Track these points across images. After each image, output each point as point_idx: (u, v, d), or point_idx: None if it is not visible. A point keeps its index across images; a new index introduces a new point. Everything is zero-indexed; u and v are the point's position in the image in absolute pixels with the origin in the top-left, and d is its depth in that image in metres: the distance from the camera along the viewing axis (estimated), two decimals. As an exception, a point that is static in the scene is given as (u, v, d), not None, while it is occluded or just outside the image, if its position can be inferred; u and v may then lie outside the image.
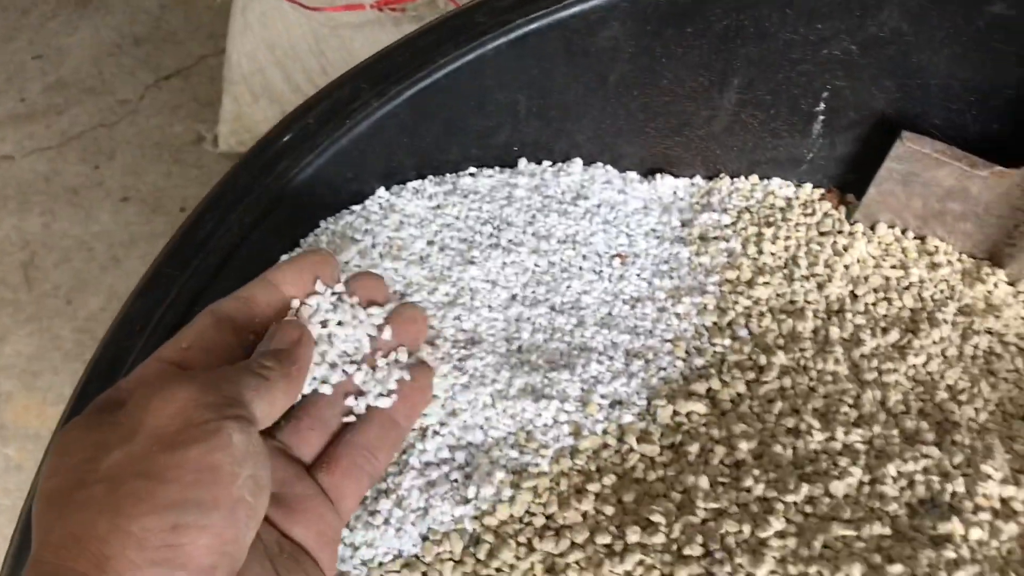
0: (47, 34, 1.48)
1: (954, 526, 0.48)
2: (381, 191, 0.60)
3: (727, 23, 0.60)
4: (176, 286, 0.53)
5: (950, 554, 0.47)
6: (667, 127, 0.68)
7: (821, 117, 0.67)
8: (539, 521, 0.49)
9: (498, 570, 0.48)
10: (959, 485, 0.51)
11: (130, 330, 0.51)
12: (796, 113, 0.67)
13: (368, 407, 0.47)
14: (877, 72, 0.63)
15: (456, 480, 0.51)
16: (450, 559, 0.49)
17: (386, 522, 0.48)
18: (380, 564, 0.48)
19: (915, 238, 0.70)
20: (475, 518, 0.50)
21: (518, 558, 0.48)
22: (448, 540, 0.49)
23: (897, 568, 0.46)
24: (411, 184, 0.61)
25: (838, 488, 0.50)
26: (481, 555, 0.49)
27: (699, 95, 0.65)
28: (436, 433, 0.51)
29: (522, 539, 0.49)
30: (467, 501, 0.49)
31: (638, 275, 0.63)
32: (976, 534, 0.48)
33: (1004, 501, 0.52)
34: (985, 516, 0.50)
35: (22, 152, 1.37)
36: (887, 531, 0.49)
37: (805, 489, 0.50)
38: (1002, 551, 0.49)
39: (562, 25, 0.57)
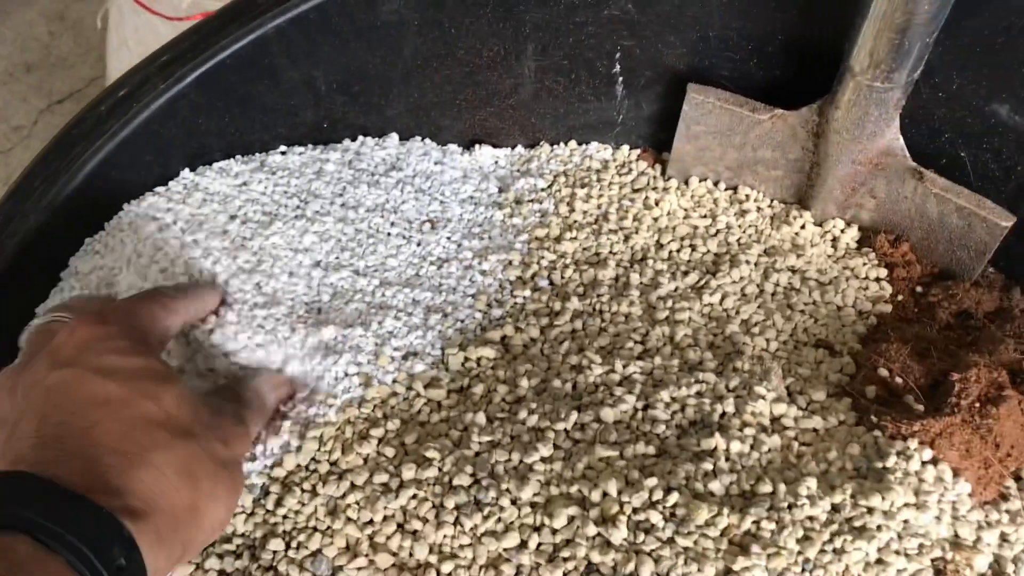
0: (-61, 67, 1.49)
1: (716, 441, 0.51)
2: (185, 172, 0.63)
3: (506, -10, 0.63)
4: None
5: (707, 466, 0.50)
6: (476, 98, 0.70)
7: (620, 78, 0.70)
8: (323, 467, 0.52)
9: (284, 517, 0.50)
10: (729, 406, 0.54)
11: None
12: (595, 76, 0.70)
13: None
14: (659, 29, 0.66)
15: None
16: (241, 512, 0.51)
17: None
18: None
19: (727, 189, 0.73)
20: (263, 472, 0.52)
21: (302, 504, 0.50)
22: (243, 495, 0.51)
23: (652, 481, 0.48)
24: (217, 164, 0.64)
25: (608, 415, 0.53)
26: (269, 505, 0.51)
27: (498, 64, 0.68)
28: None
29: (307, 486, 0.51)
30: (254, 458, 0.52)
31: (448, 238, 0.66)
32: (737, 447, 0.51)
33: (775, 419, 0.55)
34: (750, 431, 0.52)
35: (-83, 183, 1.37)
36: (651, 450, 0.51)
37: (575, 416, 0.52)
38: (762, 461, 0.51)
39: (340, 2, 0.60)
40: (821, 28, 0.61)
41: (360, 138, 0.69)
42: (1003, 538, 0.51)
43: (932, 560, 0.49)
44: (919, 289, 0.67)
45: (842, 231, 0.70)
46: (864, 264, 0.67)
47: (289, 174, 0.65)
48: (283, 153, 0.66)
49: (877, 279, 0.67)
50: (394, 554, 0.48)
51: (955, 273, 0.67)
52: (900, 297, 0.67)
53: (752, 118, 0.66)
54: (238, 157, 0.65)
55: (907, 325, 0.64)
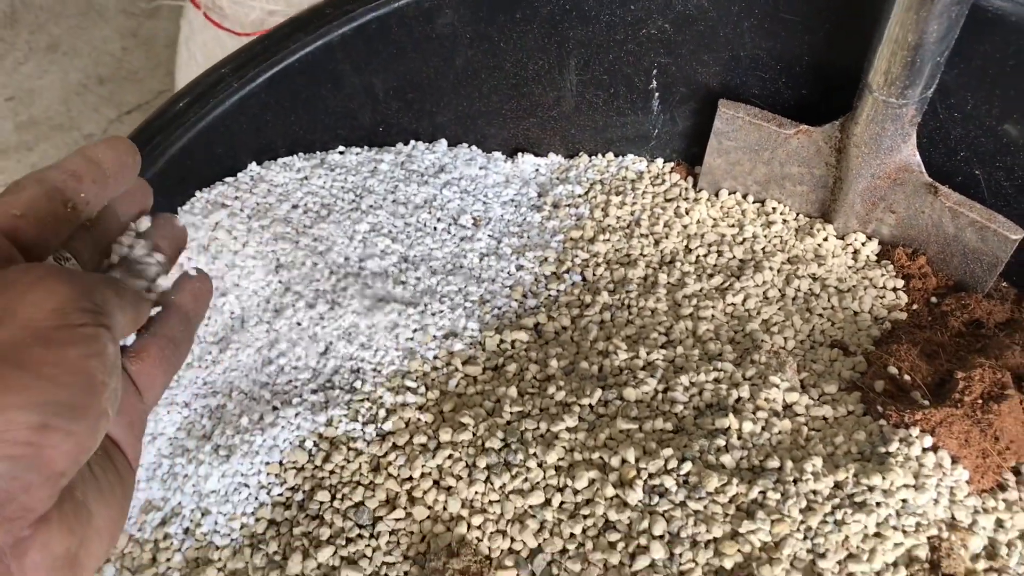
0: (20, 77, 1.59)
1: (730, 421, 0.55)
2: (252, 165, 0.69)
3: (551, 8, 0.68)
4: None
5: (720, 442, 0.54)
6: (520, 109, 0.76)
7: (656, 94, 0.75)
8: (369, 430, 0.57)
9: (331, 472, 0.55)
10: (744, 391, 0.58)
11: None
12: (633, 91, 0.75)
13: (167, 304, 0.46)
14: (694, 48, 0.71)
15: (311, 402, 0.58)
16: (292, 467, 0.56)
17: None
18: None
19: (755, 202, 0.77)
20: (317, 432, 0.57)
21: (348, 461, 0.55)
22: (294, 452, 0.56)
23: (668, 451, 0.53)
24: (281, 160, 0.70)
25: (631, 394, 0.57)
26: (318, 461, 0.56)
27: (542, 77, 0.74)
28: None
29: (352, 445, 0.56)
30: (314, 421, 0.57)
31: (490, 235, 0.71)
32: (749, 427, 0.55)
33: (788, 406, 0.59)
34: (763, 415, 0.56)
35: (-6, 186, 1.46)
36: (669, 426, 0.56)
37: (599, 394, 0.57)
38: (772, 441, 0.55)
39: (400, 13, 0.66)
40: (844, 49, 0.65)
41: (412, 142, 0.75)
42: (999, 523, 0.54)
43: (928, 538, 0.52)
44: (934, 299, 0.71)
45: (863, 244, 0.74)
46: (882, 275, 0.71)
47: (346, 171, 0.71)
48: (341, 152, 0.72)
49: (894, 289, 0.71)
50: (429, 507, 0.53)
51: (969, 285, 0.71)
52: (915, 306, 0.70)
53: (779, 133, 0.71)
54: (300, 154, 0.71)
55: (919, 331, 0.68)
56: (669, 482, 0.51)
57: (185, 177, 0.66)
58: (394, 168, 0.72)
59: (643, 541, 0.49)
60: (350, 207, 0.68)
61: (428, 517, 0.53)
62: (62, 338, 0.32)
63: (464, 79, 0.72)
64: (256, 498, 0.56)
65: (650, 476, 0.52)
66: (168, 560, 0.57)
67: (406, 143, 0.75)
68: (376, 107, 0.71)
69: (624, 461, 0.52)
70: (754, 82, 0.72)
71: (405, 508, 0.53)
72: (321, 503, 0.54)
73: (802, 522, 0.51)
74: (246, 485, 0.56)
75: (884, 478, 0.52)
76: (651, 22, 0.70)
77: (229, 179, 0.68)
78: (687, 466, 0.52)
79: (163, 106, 0.66)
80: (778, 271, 0.71)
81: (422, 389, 0.59)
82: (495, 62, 0.72)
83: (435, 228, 0.69)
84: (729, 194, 0.77)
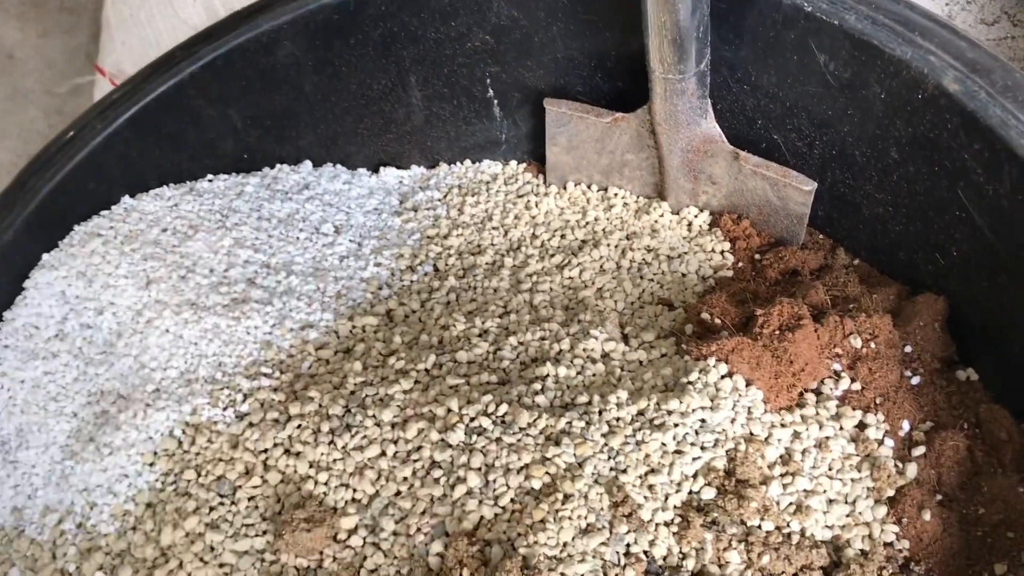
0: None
1: (547, 368, 0.62)
2: (126, 198, 0.76)
3: (381, 30, 0.76)
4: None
5: (536, 386, 0.61)
6: (375, 127, 0.84)
7: (495, 101, 0.83)
8: (229, 413, 0.63)
9: (196, 454, 0.62)
10: (565, 344, 0.65)
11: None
12: (474, 100, 0.83)
13: None
14: (516, 55, 0.79)
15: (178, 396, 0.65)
16: (165, 454, 0.63)
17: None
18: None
19: (599, 190, 0.85)
20: (183, 421, 0.63)
21: (210, 442, 0.62)
22: (165, 441, 0.63)
23: (488, 398, 0.60)
24: (153, 191, 0.77)
25: (463, 356, 0.64)
26: (186, 446, 0.62)
27: (388, 95, 0.81)
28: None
29: (215, 429, 0.63)
30: (180, 411, 0.63)
31: (350, 240, 0.78)
32: (564, 372, 0.62)
33: (605, 354, 0.66)
34: (579, 362, 0.63)
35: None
36: (495, 379, 0.63)
37: (433, 359, 0.64)
38: (584, 382, 0.62)
39: (241, 49, 0.74)
40: (639, 39, 0.73)
41: (278, 165, 0.82)
42: (795, 435, 0.61)
43: (726, 451, 0.59)
44: (758, 256, 0.78)
45: (695, 216, 0.81)
46: (711, 240, 0.79)
47: (214, 196, 0.78)
48: (210, 180, 0.79)
49: (722, 252, 0.78)
50: (282, 472, 0.59)
51: (787, 240, 0.78)
52: (740, 264, 0.78)
53: (599, 122, 0.79)
54: (171, 184, 0.78)
55: (739, 283, 0.75)
56: (487, 422, 0.58)
57: (63, 213, 0.73)
58: (259, 189, 0.80)
59: (462, 474, 0.56)
60: (216, 226, 0.75)
61: (281, 481, 0.59)
62: None
63: (316, 103, 0.80)
64: (135, 485, 0.62)
65: (471, 419, 0.58)
66: (65, 555, 0.63)
67: (272, 167, 0.82)
68: (237, 136, 0.79)
69: (449, 410, 0.59)
70: (576, 81, 0.81)
71: (261, 475, 0.60)
72: (188, 480, 0.61)
73: (605, 444, 0.57)
74: (125, 475, 0.63)
75: (681, 402, 0.59)
76: (473, 35, 0.78)
77: (104, 212, 0.75)
78: (504, 408, 0.59)
79: (38, 153, 0.73)
80: (615, 246, 0.79)
81: (277, 373, 0.65)
82: (342, 85, 0.79)
83: (297, 238, 0.77)
84: (575, 185, 0.85)
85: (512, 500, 0.55)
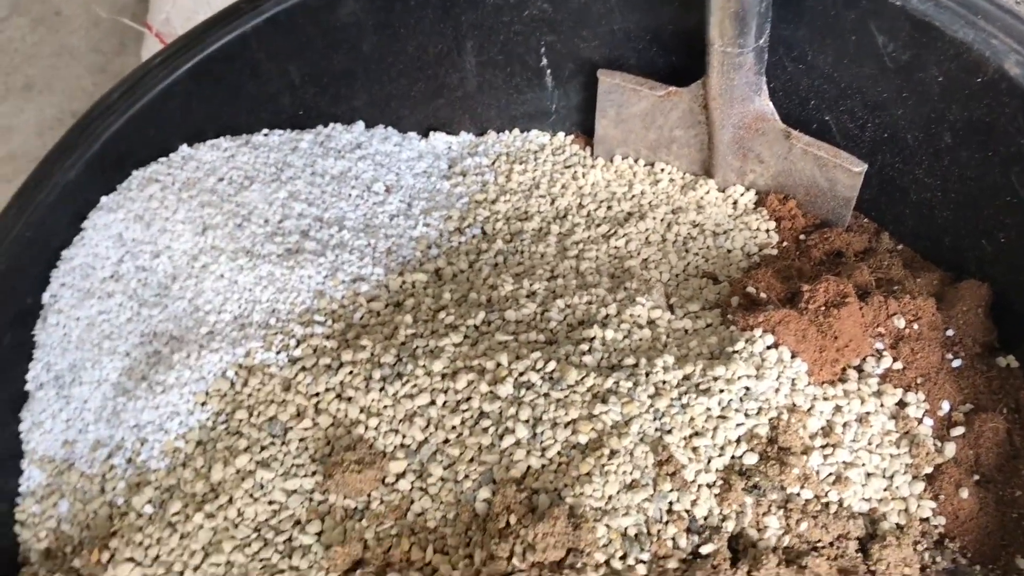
0: (-3, 117, 1.69)
1: (594, 331, 0.63)
2: (183, 147, 0.77)
3: (440, -6, 0.77)
4: (14, 220, 0.69)
5: (584, 347, 0.62)
6: (428, 91, 0.85)
7: (548, 71, 0.84)
8: (282, 357, 0.65)
9: (249, 395, 0.63)
10: (612, 309, 0.66)
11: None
12: (527, 69, 0.84)
13: None
14: (573, 25, 0.80)
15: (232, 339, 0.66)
16: (217, 394, 0.64)
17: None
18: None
19: (646, 165, 0.86)
20: (237, 363, 0.65)
21: (263, 384, 0.63)
22: (218, 381, 0.64)
23: (536, 355, 0.61)
24: (210, 141, 0.78)
25: (511, 315, 0.65)
26: (238, 387, 0.64)
27: (444, 60, 0.82)
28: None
29: (267, 372, 0.64)
30: (234, 354, 0.65)
31: (400, 200, 0.79)
32: (611, 335, 0.63)
33: (651, 321, 0.67)
34: (626, 326, 0.64)
35: (-25, 217, 1.55)
36: (542, 338, 0.64)
37: (482, 315, 0.65)
38: (631, 346, 0.63)
39: (305, 5, 0.75)
40: (698, 15, 0.74)
41: (331, 124, 0.83)
42: (837, 409, 0.62)
43: (769, 419, 0.60)
44: (802, 237, 0.79)
45: (741, 195, 0.82)
46: (756, 219, 0.80)
47: (269, 150, 0.79)
48: (265, 134, 0.81)
49: (767, 230, 0.79)
50: (332, 416, 0.61)
51: (832, 222, 0.79)
52: (785, 243, 0.78)
53: (652, 95, 0.79)
54: (228, 136, 0.79)
55: (783, 261, 0.76)
56: (535, 378, 0.59)
57: (123, 158, 0.74)
58: (313, 146, 0.81)
59: (510, 425, 0.57)
60: (271, 178, 0.76)
61: (332, 424, 0.61)
62: None
63: (372, 64, 0.81)
64: (186, 424, 0.64)
65: (519, 374, 0.60)
66: (114, 488, 0.65)
67: (326, 125, 0.84)
68: (294, 92, 0.80)
69: (498, 364, 0.60)
70: (630, 54, 0.81)
71: (312, 418, 0.61)
72: (240, 420, 0.62)
73: (651, 405, 0.58)
74: (177, 413, 0.64)
75: (727, 368, 0.60)
76: (532, 3, 0.78)
77: (162, 159, 0.76)
78: (552, 365, 0.60)
79: (101, 97, 0.74)
80: (661, 220, 0.80)
81: (329, 322, 0.67)
82: (399, 47, 0.80)
83: (349, 195, 0.78)
84: (623, 159, 0.86)
85: (559, 453, 0.56)
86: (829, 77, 0.73)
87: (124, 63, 1.72)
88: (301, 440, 0.60)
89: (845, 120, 0.75)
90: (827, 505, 0.59)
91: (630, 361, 0.61)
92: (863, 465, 0.60)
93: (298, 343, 0.65)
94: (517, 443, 0.57)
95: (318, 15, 0.76)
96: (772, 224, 0.79)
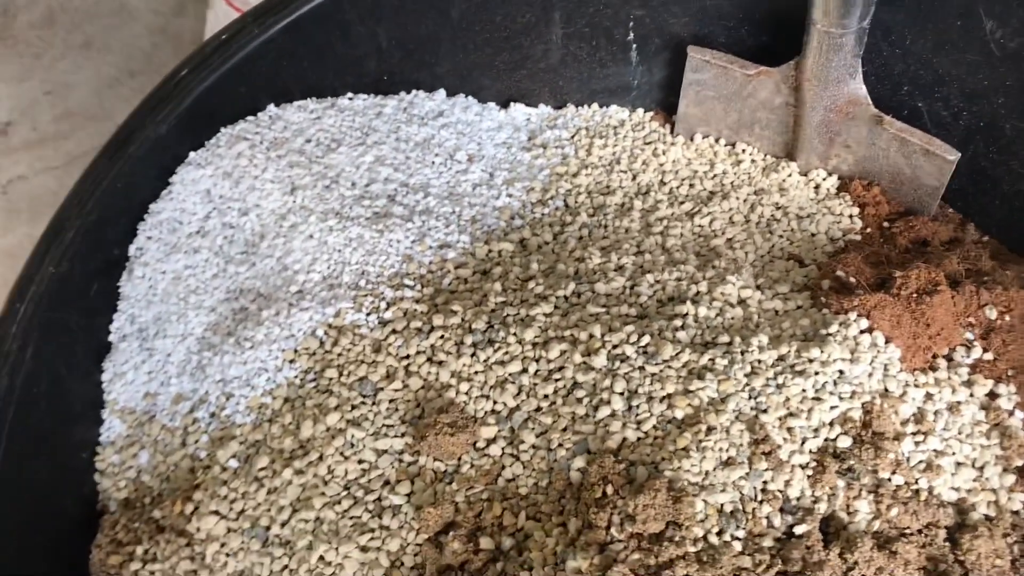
0: (56, 73, 1.70)
1: (687, 307, 0.63)
2: (271, 107, 0.77)
3: (535, -37, 0.77)
4: (103, 170, 0.70)
5: (677, 323, 0.62)
6: (512, 61, 0.84)
7: (634, 46, 0.83)
8: (372, 319, 0.65)
9: (339, 355, 0.63)
10: (703, 287, 0.66)
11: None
12: (613, 43, 0.83)
13: None
14: (664, 0, 0.79)
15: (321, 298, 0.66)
16: (306, 352, 0.64)
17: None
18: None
19: (727, 144, 0.85)
20: (326, 323, 0.65)
21: (353, 344, 0.63)
22: (307, 340, 0.64)
23: (630, 328, 0.60)
24: (297, 103, 0.78)
25: (601, 288, 0.65)
26: (328, 346, 0.64)
27: (530, 30, 0.82)
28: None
29: (358, 332, 0.64)
30: (324, 313, 0.65)
31: (482, 170, 0.79)
32: (703, 312, 0.63)
33: (742, 300, 0.66)
34: (717, 304, 0.64)
35: (33, 172, 1.56)
36: (633, 312, 0.63)
37: (572, 286, 0.65)
38: (724, 324, 0.63)
39: (401, -33, 0.74)
40: (795, -6, 0.73)
41: (413, 91, 0.83)
42: (928, 396, 0.61)
43: (863, 403, 0.59)
44: (886, 224, 0.78)
45: (824, 179, 0.81)
46: (840, 204, 0.79)
47: (354, 114, 0.79)
48: (350, 98, 0.81)
49: (850, 216, 0.78)
50: (423, 378, 0.61)
51: (917, 210, 0.78)
52: (868, 230, 0.78)
53: (743, 74, 0.78)
54: (314, 98, 0.79)
55: (870, 247, 0.75)
56: (630, 351, 0.59)
57: (212, 114, 0.74)
58: (397, 112, 0.81)
59: (605, 396, 0.57)
60: (357, 142, 0.76)
61: (422, 387, 0.61)
62: None
63: (460, 32, 0.81)
64: (274, 380, 0.64)
65: (613, 347, 0.59)
66: (196, 442, 0.65)
67: (408, 92, 0.83)
68: (381, 56, 0.80)
69: (591, 336, 0.60)
70: (720, 31, 0.80)
71: (402, 380, 0.61)
72: (330, 379, 0.62)
73: (747, 384, 0.58)
74: (265, 370, 0.65)
75: (822, 351, 0.60)
76: (625, -24, 0.78)
77: (251, 117, 0.76)
78: (646, 339, 0.60)
79: (194, 51, 0.74)
80: (744, 200, 0.79)
81: (418, 287, 0.67)
82: (487, 16, 0.80)
83: (433, 162, 0.78)
84: (703, 138, 0.85)
85: (655, 426, 0.56)
86: (927, 62, 0.72)
87: (183, 25, 1.72)
88: (391, 401, 0.61)
89: (939, 107, 0.74)
90: (917, 492, 0.58)
91: (724, 339, 0.61)
92: (953, 454, 0.60)
93: (388, 306, 0.65)
94: (613, 414, 0.56)
95: (411, -23, 0.75)
96: (856, 210, 0.79)
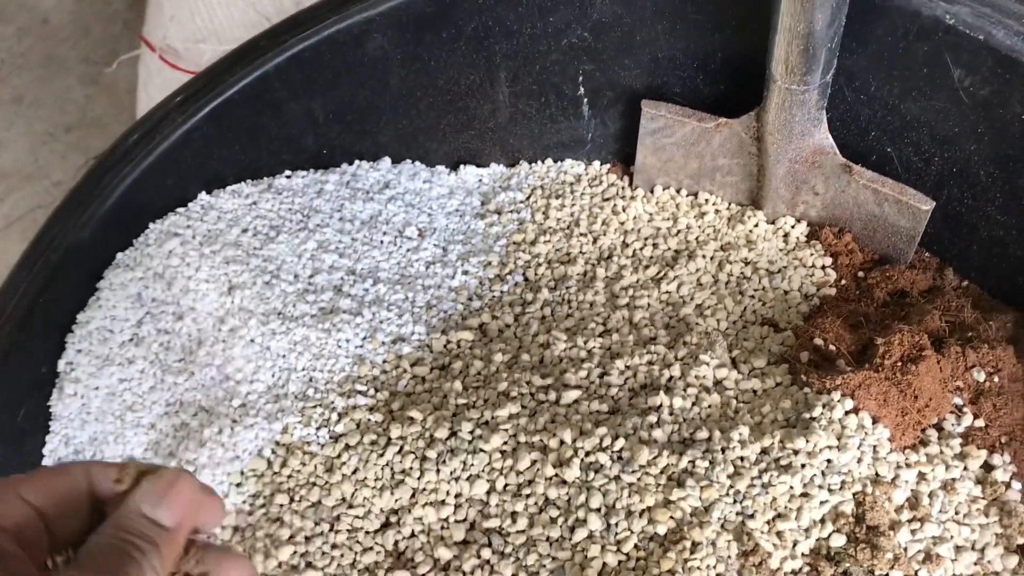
0: (-14, 132, 1.62)
1: (661, 398, 0.59)
2: (203, 195, 0.72)
3: (475, 24, 0.72)
4: (24, 283, 0.64)
5: (652, 419, 0.58)
6: (458, 123, 0.79)
7: (585, 99, 0.79)
8: (323, 433, 0.60)
9: (288, 476, 0.59)
10: (676, 371, 0.61)
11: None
12: (563, 98, 0.79)
13: None
14: (614, 53, 0.75)
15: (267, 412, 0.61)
16: (253, 475, 0.59)
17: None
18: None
19: (689, 195, 0.81)
20: (273, 440, 0.60)
21: (303, 464, 0.58)
22: (254, 461, 0.59)
23: (602, 430, 0.56)
24: (230, 187, 0.73)
25: (570, 379, 0.61)
26: (276, 467, 0.59)
27: (475, 91, 0.77)
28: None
29: (308, 450, 0.59)
30: (270, 430, 0.60)
31: (435, 244, 0.74)
32: (679, 403, 0.59)
33: (718, 381, 0.62)
34: (693, 391, 0.60)
35: (-32, 238, 1.49)
36: (605, 408, 0.59)
37: (539, 381, 0.60)
38: (702, 415, 0.59)
39: (330, 40, 0.69)
40: (751, 43, 0.69)
41: (356, 162, 0.78)
42: (921, 476, 0.58)
43: (854, 494, 0.56)
44: (861, 274, 0.75)
45: (792, 227, 0.77)
46: (811, 254, 0.75)
47: (293, 194, 0.74)
48: (288, 177, 0.75)
49: (823, 267, 0.74)
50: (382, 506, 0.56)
51: (893, 258, 0.74)
52: (843, 281, 0.74)
53: (700, 127, 0.74)
54: (248, 181, 0.74)
55: (846, 304, 0.71)
56: (604, 458, 0.55)
57: (140, 210, 0.69)
58: (339, 188, 0.76)
59: (581, 515, 0.53)
60: (298, 227, 0.71)
61: (382, 510, 0.56)
62: None
63: (401, 98, 0.76)
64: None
65: (586, 454, 0.55)
66: (143, 574, 0.60)
67: (350, 163, 0.78)
68: (318, 131, 0.75)
69: (562, 442, 0.56)
70: (675, 81, 0.76)
71: (362, 504, 0.56)
72: (280, 505, 0.57)
73: (731, 487, 0.54)
74: (211, 495, 0.59)
75: (808, 441, 0.56)
76: (571, 31, 0.73)
77: (181, 209, 0.71)
78: (620, 442, 0.55)
79: (114, 144, 0.69)
80: (711, 258, 0.75)
81: (372, 391, 0.62)
82: (428, 80, 0.75)
83: (381, 242, 0.73)
84: (663, 189, 0.81)
85: (636, 546, 0.52)
86: (894, 109, 0.69)
87: (117, 75, 1.65)
88: (351, 532, 0.56)
89: (909, 153, 0.71)
90: (918, 585, 0.54)
91: (703, 435, 0.56)
92: (952, 538, 0.56)
93: (340, 417, 0.60)
94: (590, 536, 0.52)
95: (344, 50, 0.71)
96: (828, 260, 0.75)
